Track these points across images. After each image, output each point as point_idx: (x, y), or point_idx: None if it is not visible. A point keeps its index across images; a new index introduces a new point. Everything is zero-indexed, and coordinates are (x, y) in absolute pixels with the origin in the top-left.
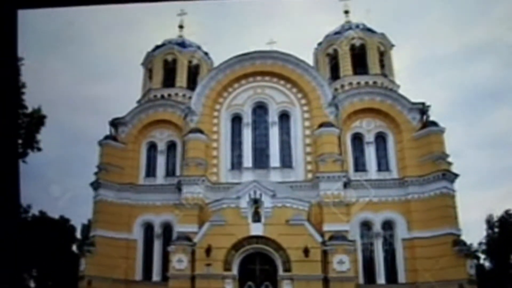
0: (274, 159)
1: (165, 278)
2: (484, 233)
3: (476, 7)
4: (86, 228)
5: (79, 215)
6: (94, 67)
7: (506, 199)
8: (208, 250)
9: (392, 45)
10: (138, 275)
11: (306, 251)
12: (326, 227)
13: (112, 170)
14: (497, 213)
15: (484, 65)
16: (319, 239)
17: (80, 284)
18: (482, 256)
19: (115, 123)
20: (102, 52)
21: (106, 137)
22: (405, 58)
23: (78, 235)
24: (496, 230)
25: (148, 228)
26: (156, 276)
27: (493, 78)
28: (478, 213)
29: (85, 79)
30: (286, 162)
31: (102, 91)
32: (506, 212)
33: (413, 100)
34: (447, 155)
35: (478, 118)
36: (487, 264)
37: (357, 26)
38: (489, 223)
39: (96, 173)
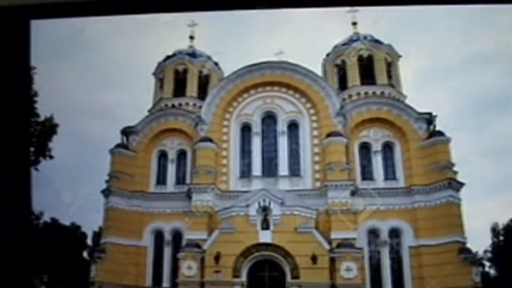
0: (283, 167)
1: (174, 284)
2: (490, 241)
3: (482, 16)
4: (97, 235)
5: (90, 222)
6: (106, 76)
7: (511, 207)
8: (217, 257)
9: (399, 56)
10: (148, 282)
11: (314, 258)
12: (333, 235)
13: (123, 178)
14: (503, 221)
15: (490, 74)
16: (327, 246)
17: None
18: (488, 264)
19: (126, 132)
20: (114, 61)
21: (117, 146)
22: (411, 68)
23: (89, 242)
24: (501, 238)
25: (158, 235)
26: (166, 283)
27: (499, 86)
28: (483, 221)
29: (97, 88)
30: (295, 170)
31: (113, 99)
32: None
33: (420, 110)
34: (453, 164)
35: (484, 127)
36: (492, 272)
37: (365, 38)
38: (495, 231)
39: (107, 181)
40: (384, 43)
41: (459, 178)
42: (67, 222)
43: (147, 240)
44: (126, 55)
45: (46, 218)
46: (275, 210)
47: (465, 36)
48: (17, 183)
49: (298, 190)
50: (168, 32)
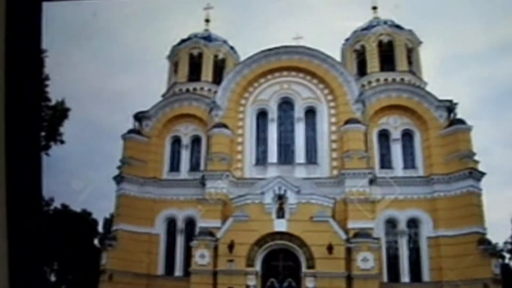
0: (299, 155)
1: (187, 273)
2: (510, 232)
3: (505, 3)
4: (109, 222)
5: (102, 209)
6: (119, 60)
7: None
8: (231, 246)
9: (420, 42)
10: (160, 270)
11: (330, 248)
12: (350, 224)
13: (135, 164)
14: None
15: (511, 61)
16: (344, 236)
17: (102, 278)
18: (508, 255)
19: (139, 117)
20: (127, 45)
21: (130, 131)
22: (433, 55)
23: (100, 229)
24: None
25: (171, 223)
26: (178, 271)
27: None
28: (504, 212)
29: (110, 72)
30: (312, 158)
31: (126, 84)
32: None
33: (441, 97)
34: (474, 153)
35: (506, 115)
36: None
37: (385, 23)
38: None
39: (119, 167)
40: (405, 28)
41: (480, 167)
42: (78, 209)
43: (160, 228)
44: (140, 39)
45: (57, 204)
46: (291, 198)
47: (488, 22)
48: (28, 169)
49: (315, 178)
50: (183, 15)
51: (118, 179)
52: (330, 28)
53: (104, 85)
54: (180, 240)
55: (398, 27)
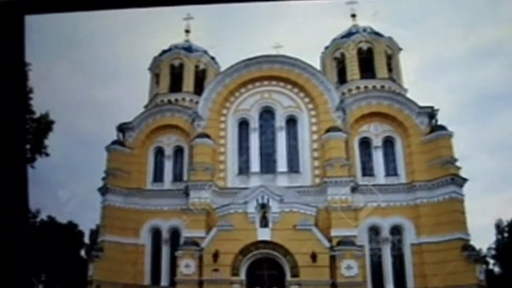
0: (281, 164)
1: (173, 283)
2: (494, 238)
3: (484, 8)
4: (95, 233)
5: (88, 220)
6: (101, 71)
7: None
8: (215, 255)
9: (400, 49)
10: (147, 280)
11: (314, 256)
12: (333, 232)
13: (119, 175)
14: (507, 217)
15: (493, 67)
16: (327, 244)
17: None
18: (492, 261)
19: (122, 128)
20: (109, 56)
21: (114, 142)
22: (412, 61)
23: (87, 240)
24: (506, 234)
25: (156, 233)
26: (164, 281)
27: (502, 79)
28: (487, 218)
29: (93, 84)
30: (294, 167)
31: (109, 95)
32: None
33: (421, 104)
34: (455, 159)
35: (487, 121)
36: (496, 269)
37: (364, 30)
38: (499, 227)
39: (103, 178)
40: (384, 36)
41: (462, 173)
42: (64, 220)
43: (145, 238)
44: (122, 50)
45: (43, 216)
46: (274, 207)
47: (467, 28)
48: (13, 181)
49: (297, 186)
50: (164, 26)
51: (103, 190)
52: (309, 36)
53: (87, 96)
54: (165, 250)
55: (377, 34)
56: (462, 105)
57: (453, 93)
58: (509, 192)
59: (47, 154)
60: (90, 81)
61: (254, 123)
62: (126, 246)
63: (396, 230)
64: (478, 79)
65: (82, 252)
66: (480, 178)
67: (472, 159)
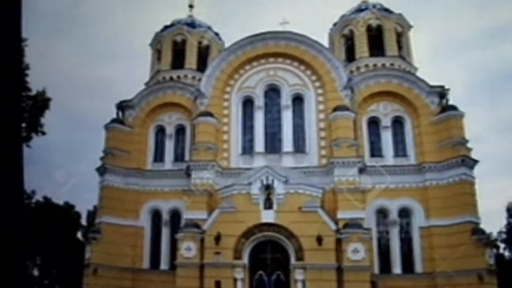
0: (287, 143)
1: (173, 266)
2: (504, 222)
3: None
4: (92, 215)
5: (85, 201)
6: (101, 48)
7: None
8: (217, 238)
9: (411, 26)
10: (146, 264)
11: (319, 239)
12: (340, 215)
13: (118, 155)
14: None
15: (506, 47)
16: (333, 226)
17: (86, 273)
18: (502, 245)
19: (122, 106)
20: (108, 32)
21: (113, 121)
22: (424, 39)
23: (84, 222)
24: None
25: (156, 215)
26: (164, 265)
27: None
28: (498, 201)
29: (92, 61)
30: (299, 147)
31: (109, 72)
32: None
33: (432, 83)
34: (466, 141)
35: (499, 102)
36: (507, 253)
37: (374, 6)
38: (510, 211)
39: (102, 158)
40: (395, 12)
41: (473, 155)
42: (60, 201)
43: (144, 220)
44: (122, 26)
45: (39, 197)
46: (279, 188)
47: (481, 7)
48: (9, 160)
49: (303, 167)
50: (166, 1)
51: (101, 170)
52: (317, 12)
53: (86, 73)
54: (165, 233)
55: (387, 11)
56: (474, 85)
57: (465, 73)
58: None
59: (43, 133)
60: (90, 58)
61: (259, 102)
62: (124, 228)
63: (405, 213)
64: (490, 58)
65: (79, 234)
66: (492, 160)
67: (484, 140)
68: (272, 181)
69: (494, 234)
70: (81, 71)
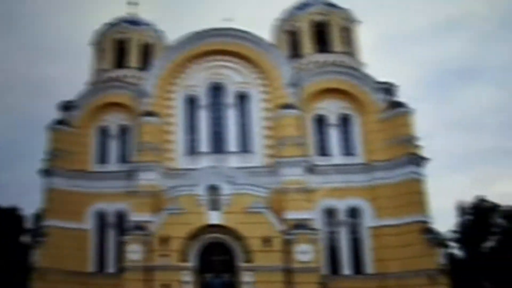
0: (232, 143)
1: (120, 269)
2: (456, 220)
3: None
4: (37, 218)
5: (30, 204)
6: (42, 47)
7: (479, 183)
8: (164, 240)
9: (357, 21)
10: (92, 267)
11: (266, 241)
12: (287, 215)
13: (62, 156)
14: (469, 198)
15: (455, 41)
16: (281, 227)
17: (33, 276)
18: (454, 244)
19: (64, 107)
20: (50, 31)
21: (55, 121)
22: (371, 34)
23: (29, 225)
24: (468, 217)
25: (101, 217)
26: (110, 268)
27: (465, 54)
28: (449, 199)
29: (33, 60)
30: (245, 146)
31: (51, 72)
32: (479, 198)
33: (380, 79)
34: (416, 138)
35: (449, 97)
36: (458, 253)
37: (319, 1)
38: (461, 209)
39: (45, 160)
40: (341, 7)
41: (423, 152)
42: (4, 204)
43: (90, 223)
44: (61, 25)
45: None
46: (225, 189)
47: (429, 1)
48: None
49: (249, 167)
50: None
51: (45, 172)
52: (263, 8)
53: (28, 73)
54: (111, 235)
55: (333, 5)
56: (423, 81)
57: (413, 69)
58: (472, 172)
59: None
60: (30, 57)
61: (203, 100)
62: (70, 231)
63: (353, 213)
64: (439, 54)
65: (24, 238)
66: (442, 158)
67: (434, 137)
68: (218, 181)
69: (446, 233)
70: (22, 70)
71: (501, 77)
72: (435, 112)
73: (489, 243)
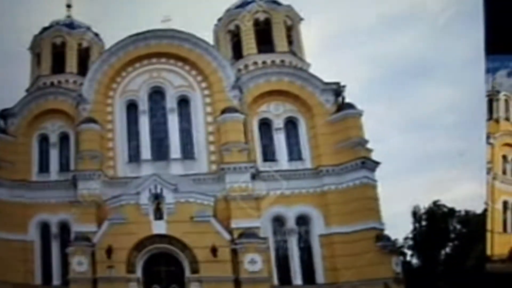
0: (175, 150)
1: (66, 281)
2: (411, 227)
3: None
4: None
5: None
6: None
7: (434, 188)
8: (109, 251)
9: (301, 19)
10: (38, 279)
11: (214, 251)
12: (234, 224)
13: (3, 166)
14: (425, 204)
15: (406, 37)
16: (228, 237)
17: None
18: (409, 252)
19: (3, 115)
20: None
21: None
22: (316, 32)
23: None
24: (423, 223)
25: (45, 228)
26: (56, 280)
27: (416, 51)
28: (403, 205)
29: None
30: (188, 152)
31: None
32: (435, 203)
33: (326, 80)
34: (366, 141)
35: (401, 97)
36: (414, 260)
37: None
38: (416, 215)
39: None
40: (283, 4)
41: (374, 156)
42: None
43: (33, 234)
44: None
45: None
46: (168, 197)
47: None
48: None
49: (193, 174)
50: (44, 1)
51: None
52: (202, 8)
53: None
54: (55, 247)
55: (275, 2)
56: (371, 80)
57: (361, 68)
58: (427, 176)
59: None
60: None
61: (143, 105)
62: (14, 242)
63: (303, 220)
64: (388, 51)
65: None
66: (395, 161)
67: (385, 140)
68: (161, 190)
69: (400, 240)
70: None
71: (454, 74)
72: (387, 113)
73: (446, 250)
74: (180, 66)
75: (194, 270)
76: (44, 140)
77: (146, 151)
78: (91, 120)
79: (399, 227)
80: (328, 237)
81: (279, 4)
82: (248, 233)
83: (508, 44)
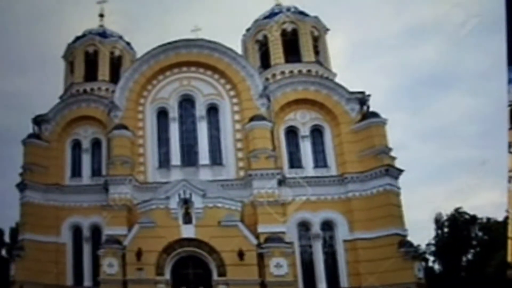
0: (203, 156)
1: (96, 283)
2: (433, 233)
3: None
4: (15, 232)
5: (8, 219)
6: (14, 60)
7: (456, 195)
8: (138, 254)
9: (327, 29)
10: (69, 280)
11: (240, 254)
12: (261, 229)
13: (37, 170)
14: (447, 211)
15: (429, 47)
16: (254, 241)
17: None
18: (431, 258)
19: (38, 121)
20: (22, 44)
21: (30, 136)
22: (341, 42)
23: (7, 239)
24: (445, 230)
25: (77, 231)
26: (87, 281)
27: (439, 61)
28: (426, 212)
29: (5, 74)
30: (216, 159)
31: (24, 86)
32: (456, 210)
33: (352, 89)
34: (390, 149)
35: (423, 106)
36: (436, 266)
37: (288, 9)
38: (438, 222)
39: (21, 174)
40: (310, 15)
41: (397, 164)
42: None
43: (66, 236)
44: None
45: None
46: (197, 202)
47: (400, 5)
48: None
49: (221, 180)
50: (78, 11)
51: (21, 186)
52: (230, 18)
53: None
54: (87, 249)
55: (302, 13)
56: (395, 90)
57: (385, 77)
58: (448, 183)
59: None
60: (2, 71)
61: (173, 113)
62: (47, 244)
63: (328, 226)
64: (412, 61)
65: (4, 252)
66: (418, 169)
67: (408, 148)
68: (190, 195)
69: (423, 246)
70: None
71: (476, 84)
72: (410, 121)
73: (467, 256)
74: (210, 74)
75: (221, 273)
76: (76, 145)
77: (175, 157)
78: (122, 126)
79: (421, 233)
80: (352, 243)
81: (306, 15)
82: (274, 238)
83: None
